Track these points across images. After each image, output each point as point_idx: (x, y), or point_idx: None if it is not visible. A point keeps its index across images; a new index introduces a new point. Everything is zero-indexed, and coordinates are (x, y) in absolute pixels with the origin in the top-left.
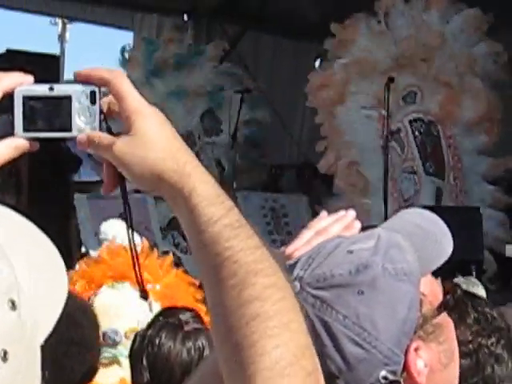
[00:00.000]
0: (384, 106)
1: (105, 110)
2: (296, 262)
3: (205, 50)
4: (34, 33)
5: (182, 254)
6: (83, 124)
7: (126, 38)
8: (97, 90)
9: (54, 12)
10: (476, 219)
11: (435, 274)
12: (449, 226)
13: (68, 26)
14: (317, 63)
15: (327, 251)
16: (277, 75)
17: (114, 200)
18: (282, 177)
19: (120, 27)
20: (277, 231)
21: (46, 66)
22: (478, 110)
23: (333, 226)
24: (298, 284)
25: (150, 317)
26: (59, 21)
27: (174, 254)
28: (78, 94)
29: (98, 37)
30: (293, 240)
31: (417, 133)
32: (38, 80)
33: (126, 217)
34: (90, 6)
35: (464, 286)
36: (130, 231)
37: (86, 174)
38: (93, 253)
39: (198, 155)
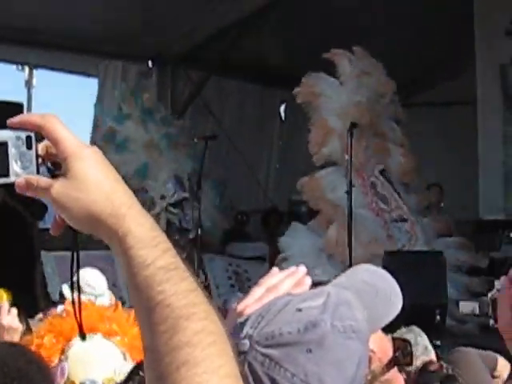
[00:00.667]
0: (347, 150)
1: (43, 154)
2: (246, 320)
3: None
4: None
5: None
6: (20, 169)
7: (92, 84)
8: (32, 135)
9: (20, 59)
10: (440, 263)
11: (395, 320)
12: (413, 271)
13: (35, 72)
14: (281, 108)
15: (277, 309)
16: (242, 120)
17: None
18: (247, 223)
19: (85, 74)
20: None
21: (10, 114)
22: None
23: (283, 283)
24: (247, 342)
25: (125, 366)
26: (26, 67)
27: None
28: (14, 140)
29: (64, 83)
30: (244, 297)
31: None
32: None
33: (72, 262)
34: (56, 53)
35: (408, 337)
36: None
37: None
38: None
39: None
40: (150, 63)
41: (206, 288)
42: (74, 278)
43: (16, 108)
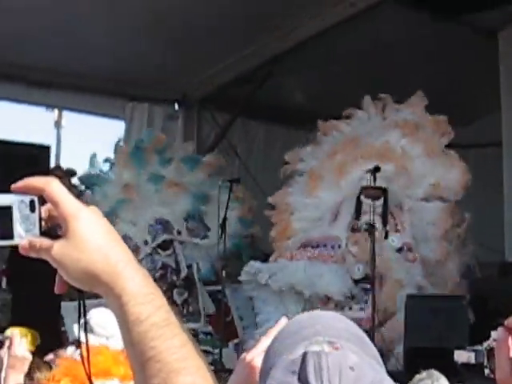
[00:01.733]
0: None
1: (46, 216)
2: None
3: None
4: (31, 122)
5: None
6: (24, 231)
7: (119, 126)
8: (35, 198)
9: (49, 101)
10: (461, 307)
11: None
12: (434, 314)
13: (63, 113)
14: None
15: (333, 372)
16: (268, 162)
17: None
18: None
19: (112, 116)
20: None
21: (37, 156)
22: None
23: None
24: None
25: None
26: (55, 109)
27: None
28: (18, 203)
29: (92, 124)
30: (253, 347)
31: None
32: (30, 171)
33: (79, 315)
34: (83, 95)
35: (428, 381)
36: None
37: None
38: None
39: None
40: (176, 106)
41: (230, 323)
42: (82, 321)
43: (43, 150)
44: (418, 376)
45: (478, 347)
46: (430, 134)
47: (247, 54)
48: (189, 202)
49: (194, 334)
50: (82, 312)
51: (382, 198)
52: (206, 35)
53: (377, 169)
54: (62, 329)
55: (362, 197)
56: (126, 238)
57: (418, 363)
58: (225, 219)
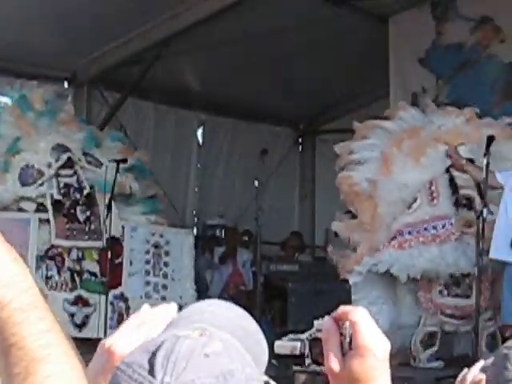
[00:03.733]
0: None
1: None
2: (152, 365)
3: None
4: None
5: (52, 290)
6: None
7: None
8: None
9: None
10: (345, 291)
11: None
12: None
13: None
14: (199, 131)
15: (184, 354)
16: (158, 143)
17: None
18: None
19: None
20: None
21: None
22: None
23: (155, 320)
24: None
25: None
26: None
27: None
28: None
29: None
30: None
31: None
32: None
33: None
34: None
35: None
36: None
37: None
38: None
39: None
40: (65, 84)
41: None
42: None
43: None
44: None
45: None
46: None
47: (136, 36)
48: (85, 138)
49: (79, 272)
50: None
51: None
52: (94, 15)
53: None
54: None
55: (454, 172)
56: (28, 168)
57: None
58: (111, 199)
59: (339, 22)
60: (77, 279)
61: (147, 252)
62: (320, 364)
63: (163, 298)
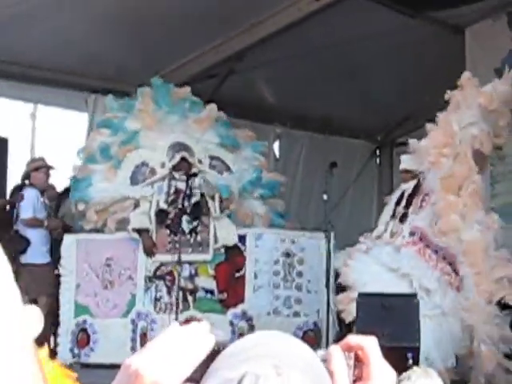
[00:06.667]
0: None
1: None
2: None
3: None
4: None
5: (161, 313)
6: None
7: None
8: None
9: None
10: (413, 306)
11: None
12: (386, 312)
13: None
14: (275, 145)
15: None
16: None
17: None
18: None
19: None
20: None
21: None
22: None
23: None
24: None
25: None
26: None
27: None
28: None
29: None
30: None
31: None
32: None
33: None
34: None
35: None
36: None
37: (32, 257)
38: None
39: None
40: None
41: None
42: None
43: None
44: (410, 370)
45: None
46: None
47: (209, 50)
48: (215, 135)
49: (193, 290)
50: None
51: None
52: (168, 30)
53: None
54: None
55: None
56: (143, 166)
57: None
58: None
59: (415, 32)
60: (189, 298)
61: (276, 262)
62: None
63: (296, 314)
